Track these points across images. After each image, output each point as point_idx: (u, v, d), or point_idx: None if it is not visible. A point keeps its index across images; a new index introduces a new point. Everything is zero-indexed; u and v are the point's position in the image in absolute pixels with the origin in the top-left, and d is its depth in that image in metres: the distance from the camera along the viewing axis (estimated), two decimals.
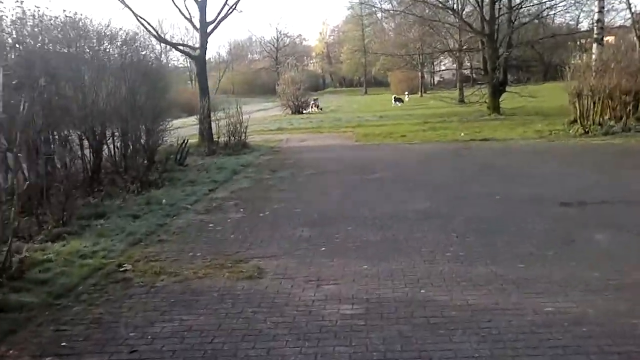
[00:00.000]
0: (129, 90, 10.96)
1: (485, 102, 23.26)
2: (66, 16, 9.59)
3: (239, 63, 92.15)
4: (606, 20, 23.40)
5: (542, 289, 4.48)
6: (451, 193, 8.40)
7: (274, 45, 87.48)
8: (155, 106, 11.40)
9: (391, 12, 33.88)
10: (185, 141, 13.87)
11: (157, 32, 16.21)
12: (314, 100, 42.43)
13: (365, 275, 5.08)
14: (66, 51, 9.47)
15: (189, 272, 5.42)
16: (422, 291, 4.61)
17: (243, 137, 16.89)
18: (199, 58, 16.89)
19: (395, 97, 41.46)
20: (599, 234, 5.91)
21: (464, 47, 26.07)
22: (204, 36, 16.75)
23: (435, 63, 55.03)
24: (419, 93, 54.74)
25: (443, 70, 47.47)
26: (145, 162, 11.19)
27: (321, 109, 37.86)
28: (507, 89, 23.43)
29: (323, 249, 6.01)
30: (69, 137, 10.09)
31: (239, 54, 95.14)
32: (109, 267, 5.75)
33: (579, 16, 46.14)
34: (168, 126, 15.05)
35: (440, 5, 24.74)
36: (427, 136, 16.72)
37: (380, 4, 31.66)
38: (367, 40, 71.44)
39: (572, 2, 23.52)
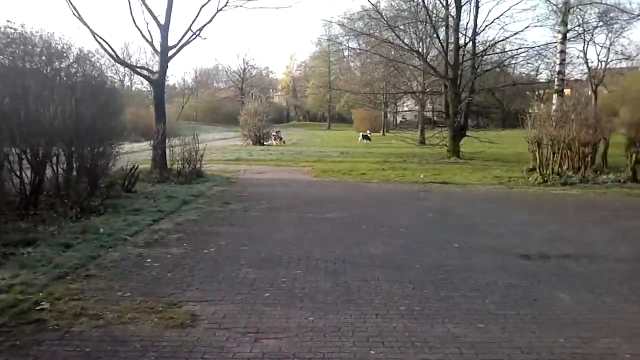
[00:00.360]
0: (75, 110, 10.33)
1: (446, 145, 23.30)
2: (10, 27, 8.96)
3: (204, 91, 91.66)
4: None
5: (503, 355, 4.05)
6: (408, 239, 7.99)
7: (239, 75, 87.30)
8: (103, 128, 10.74)
9: (357, 50, 33.93)
10: (135, 167, 13.20)
11: (114, 53, 15.61)
12: (276, 132, 42.13)
13: (311, 328, 4.57)
14: (7, 63, 8.81)
15: (112, 316, 4.81)
16: (371, 352, 4.12)
17: (198, 166, 16.30)
18: (157, 82, 16.31)
19: (363, 135, 41.51)
20: (562, 292, 5.55)
21: (427, 90, 26.25)
22: (164, 60, 16.23)
23: (398, 104, 55.83)
24: (382, 132, 55.16)
25: (406, 110, 48.07)
26: (88, 186, 10.44)
27: (284, 142, 37.52)
28: (468, 133, 23.54)
29: (267, 294, 5.47)
30: (8, 155, 9.38)
31: (204, 82, 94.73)
32: (23, 304, 5.09)
33: (538, 67, 47.61)
34: (120, 149, 14.48)
35: (405, 47, 24.92)
36: (386, 176, 16.45)
37: (347, 43, 31.54)
38: (333, 77, 72.04)
39: (534, 53, 23.95)
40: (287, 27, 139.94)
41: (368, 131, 42.70)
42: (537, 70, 47.57)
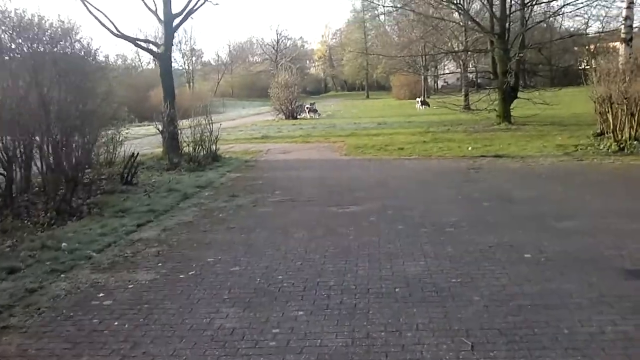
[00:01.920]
0: (46, 93, 8.54)
1: (495, 110, 20.73)
2: None
3: (239, 65, 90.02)
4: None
5: None
6: (459, 245, 5.87)
7: (273, 48, 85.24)
8: (80, 113, 8.92)
9: (392, 10, 31.27)
10: (135, 155, 11.44)
11: (114, 26, 13.78)
12: (311, 104, 40.04)
13: None
14: None
15: None
16: None
17: (213, 148, 14.46)
18: (162, 56, 14.44)
19: (420, 101, 39.01)
20: None
21: (470, 49, 23.47)
22: (169, 30, 14.34)
23: (438, 67, 52.63)
24: (422, 98, 52.30)
25: (447, 73, 44.83)
26: (65, 184, 8.68)
27: (318, 115, 35.34)
28: (519, 95, 20.84)
29: None
30: None
31: (239, 56, 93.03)
32: None
33: (588, 20, 43.78)
34: (118, 136, 12.79)
35: (444, 1, 22.21)
36: (428, 150, 14.20)
37: (382, 3, 28.89)
38: (369, 44, 69.24)
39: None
40: None
41: (418, 100, 40.23)
42: (587, 24, 43.86)
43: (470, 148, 13.84)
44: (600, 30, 35.46)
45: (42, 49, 8.60)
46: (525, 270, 4.96)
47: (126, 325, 4.23)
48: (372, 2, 33.93)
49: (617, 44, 19.68)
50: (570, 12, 23.82)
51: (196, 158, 13.52)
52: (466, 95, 32.97)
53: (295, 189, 9.82)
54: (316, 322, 4.10)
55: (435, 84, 65.93)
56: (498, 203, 7.85)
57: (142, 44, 14.55)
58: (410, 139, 16.98)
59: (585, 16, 41.64)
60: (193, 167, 13.07)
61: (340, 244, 6.13)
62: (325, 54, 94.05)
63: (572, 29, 42.32)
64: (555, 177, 9.88)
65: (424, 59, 46.89)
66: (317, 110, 36.09)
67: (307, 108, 37.99)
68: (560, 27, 46.07)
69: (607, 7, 28.75)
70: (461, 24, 26.40)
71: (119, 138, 13.12)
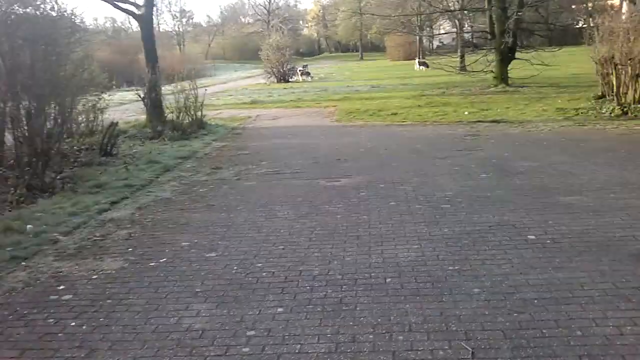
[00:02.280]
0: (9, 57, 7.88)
1: (492, 71, 20.06)
2: None
3: (230, 26, 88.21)
4: None
5: None
6: (456, 224, 5.39)
7: (265, 8, 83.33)
8: (53, 81, 8.28)
9: None
10: (114, 125, 10.85)
11: None
12: (303, 67, 39.14)
13: None
14: None
15: None
16: None
17: (199, 115, 13.84)
18: (143, 18, 13.66)
19: (419, 62, 38.27)
20: None
21: (467, 8, 22.55)
22: None
23: (434, 26, 51.42)
24: (420, 58, 51.29)
25: (442, 34, 43.75)
26: (34, 158, 8.11)
27: (311, 77, 34.47)
28: (517, 55, 20.12)
29: None
30: None
31: (231, 18, 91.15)
32: None
33: None
34: (96, 104, 12.14)
35: None
36: (423, 115, 13.62)
37: None
38: (363, 3, 67.63)
39: None
40: None
41: (416, 60, 39.45)
42: None
43: (466, 113, 13.28)
44: None
45: (4, 9, 7.86)
46: (530, 256, 4.48)
47: (84, 327, 3.75)
48: None
49: (616, 1, 18.95)
50: None
51: (180, 126, 12.91)
52: (462, 56, 32.17)
53: (283, 159, 9.29)
54: (296, 321, 3.63)
55: (431, 45, 64.73)
56: (497, 175, 7.34)
57: (121, 4, 13.69)
58: (404, 103, 16.38)
59: None
60: (177, 136, 12.49)
61: (328, 224, 5.64)
62: (318, 14, 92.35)
63: None
64: (557, 145, 9.35)
65: (418, 18, 45.81)
66: (309, 73, 35.22)
67: (299, 71, 37.11)
68: None
69: None
70: None
71: (99, 105, 12.47)
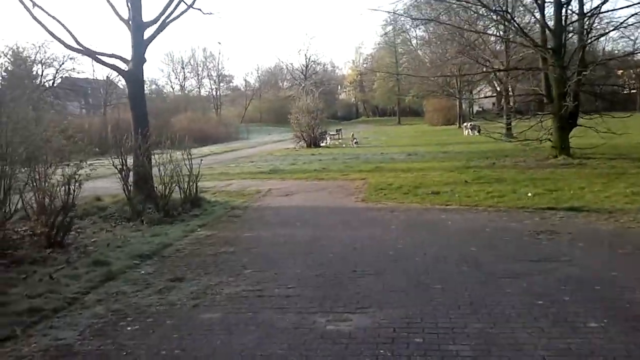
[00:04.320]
0: None
1: (549, 140, 17.10)
2: None
3: (267, 91, 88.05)
4: None
5: None
6: None
7: (302, 72, 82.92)
8: None
9: (420, 21, 28.11)
10: (69, 206, 8.35)
11: (72, 36, 10.86)
12: (337, 131, 36.96)
13: None
14: None
15: None
16: None
17: (193, 191, 11.29)
18: (131, 74, 11.40)
19: (470, 125, 35.51)
20: None
21: (522, 67, 19.75)
22: (139, 42, 11.30)
23: (474, 91, 48.96)
24: (457, 124, 48.70)
25: (488, 97, 41.03)
26: None
27: (357, 142, 31.73)
28: (579, 122, 17.13)
29: None
30: None
31: (268, 81, 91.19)
32: None
33: (636, 39, 39.77)
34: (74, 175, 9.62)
35: (482, 7, 18.69)
36: (472, 195, 10.69)
37: (411, 19, 25.85)
38: (401, 68, 66.27)
39: None
40: (351, 19, 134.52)
41: (471, 123, 36.65)
42: (634, 44, 39.92)
43: (530, 194, 10.29)
44: None
45: None
46: None
47: None
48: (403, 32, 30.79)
49: None
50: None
51: (163, 205, 10.31)
52: (508, 121, 29.38)
53: (276, 265, 6.47)
54: None
55: (470, 110, 62.41)
56: (617, 326, 4.31)
57: (105, 58, 11.48)
58: (448, 178, 13.50)
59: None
60: (158, 218, 9.88)
61: None
62: (356, 78, 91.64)
63: (616, 51, 38.30)
64: None
65: (458, 81, 43.50)
66: (357, 140, 32.42)
67: (332, 135, 34.89)
68: (603, 49, 42.22)
69: None
70: (503, 37, 22.96)
71: (77, 177, 9.94)
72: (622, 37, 24.15)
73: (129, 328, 4.72)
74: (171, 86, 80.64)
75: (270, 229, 8.78)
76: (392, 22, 56.46)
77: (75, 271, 6.63)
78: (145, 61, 11.72)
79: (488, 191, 10.90)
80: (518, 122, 18.29)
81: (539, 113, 18.20)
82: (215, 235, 8.47)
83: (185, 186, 11.16)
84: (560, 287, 5.19)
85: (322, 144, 32.21)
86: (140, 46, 11.36)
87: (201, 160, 11.64)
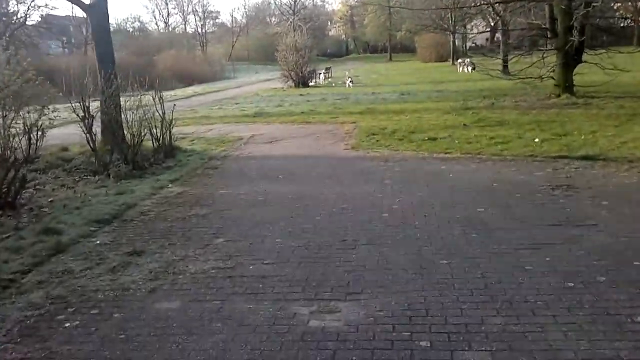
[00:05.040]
0: None
1: (552, 77, 16.00)
2: None
3: (254, 27, 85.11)
4: None
5: None
6: None
7: (290, 7, 79.81)
8: None
9: None
10: (21, 162, 7.35)
11: None
12: (326, 69, 35.50)
13: None
14: None
15: None
16: None
17: (167, 139, 10.28)
18: (93, 8, 10.10)
19: (467, 62, 33.96)
20: None
21: None
22: None
23: (468, 26, 47.10)
24: (451, 60, 47.15)
25: (485, 31, 39.26)
26: None
27: (352, 82, 29.37)
28: (584, 57, 15.95)
29: None
30: None
31: (256, 18, 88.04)
32: None
33: None
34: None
35: None
36: (474, 141, 9.73)
37: None
38: (392, 2, 63.69)
39: None
40: None
41: (467, 59, 35.10)
42: None
43: (536, 140, 9.34)
44: None
45: None
46: None
47: None
48: None
49: None
50: None
51: (133, 157, 9.29)
52: (505, 56, 28.05)
53: (253, 233, 5.55)
54: None
55: (464, 46, 60.62)
56: None
57: None
58: (445, 121, 12.50)
59: None
60: (126, 172, 8.88)
61: None
62: (346, 13, 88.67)
63: None
64: None
65: (452, 15, 41.64)
66: (352, 80, 29.90)
67: (321, 73, 33.46)
68: None
69: None
70: None
71: (39, 124, 8.83)
72: None
73: (67, 324, 3.82)
74: (156, 23, 77.66)
75: (249, 184, 7.82)
76: None
77: (21, 242, 5.69)
78: None
79: (490, 136, 9.92)
80: (519, 59, 17.03)
81: (541, 49, 16.99)
82: (187, 192, 7.51)
83: (158, 134, 10.14)
84: (591, 262, 4.32)
85: (311, 83, 30.84)
86: None
87: (174, 105, 10.53)
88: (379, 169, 8.18)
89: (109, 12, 10.39)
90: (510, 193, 6.43)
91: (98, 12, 10.21)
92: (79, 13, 59.25)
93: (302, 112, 16.21)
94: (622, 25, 19.94)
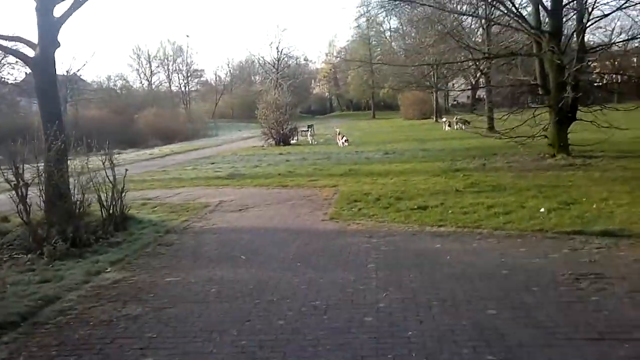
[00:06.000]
0: None
1: (545, 136, 15.04)
2: None
3: (238, 86, 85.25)
4: None
5: None
6: None
7: (274, 67, 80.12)
8: None
9: (394, 9, 26.01)
10: None
11: None
12: (308, 127, 34.57)
13: None
14: None
15: None
16: None
17: (118, 209, 8.92)
18: (37, 61, 8.92)
19: (456, 119, 33.16)
20: None
21: (519, 51, 17.43)
22: (48, 22, 8.85)
23: (450, 84, 46.97)
24: (434, 117, 46.80)
25: (472, 88, 38.78)
26: None
27: (346, 141, 27.37)
28: (578, 115, 15.04)
29: None
30: None
31: (240, 76, 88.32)
32: None
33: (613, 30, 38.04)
34: None
35: None
36: (470, 210, 8.48)
37: (387, 2, 23.72)
38: (374, 60, 64.16)
39: None
40: (324, 11, 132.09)
41: (445, 119, 34.37)
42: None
43: (542, 210, 8.12)
44: None
45: None
46: None
47: None
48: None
49: None
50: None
51: (74, 231, 7.89)
52: (491, 113, 27.40)
53: (193, 349, 4.15)
54: None
55: (446, 103, 60.89)
56: None
57: (6, 43, 8.98)
58: (434, 184, 11.30)
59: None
60: (64, 250, 7.47)
61: None
62: (329, 72, 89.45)
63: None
64: None
65: (435, 73, 41.41)
66: (345, 137, 27.71)
67: (302, 131, 32.50)
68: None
69: None
70: (491, 19, 20.87)
71: None
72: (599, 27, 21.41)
73: None
74: (140, 82, 77.35)
75: (205, 267, 6.43)
76: (367, 12, 54.08)
77: None
78: (59, 46, 9.25)
79: (488, 205, 8.69)
80: (509, 116, 16.08)
81: (532, 106, 16.13)
82: (126, 280, 6.10)
83: (108, 203, 8.79)
84: None
85: (292, 141, 29.81)
86: (49, 26, 8.89)
87: (126, 170, 9.21)
88: (362, 248, 6.85)
89: (56, 67, 9.21)
90: (526, 286, 5.11)
91: (43, 66, 9.01)
92: (59, 70, 58.48)
93: (279, 174, 14.99)
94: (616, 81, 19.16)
